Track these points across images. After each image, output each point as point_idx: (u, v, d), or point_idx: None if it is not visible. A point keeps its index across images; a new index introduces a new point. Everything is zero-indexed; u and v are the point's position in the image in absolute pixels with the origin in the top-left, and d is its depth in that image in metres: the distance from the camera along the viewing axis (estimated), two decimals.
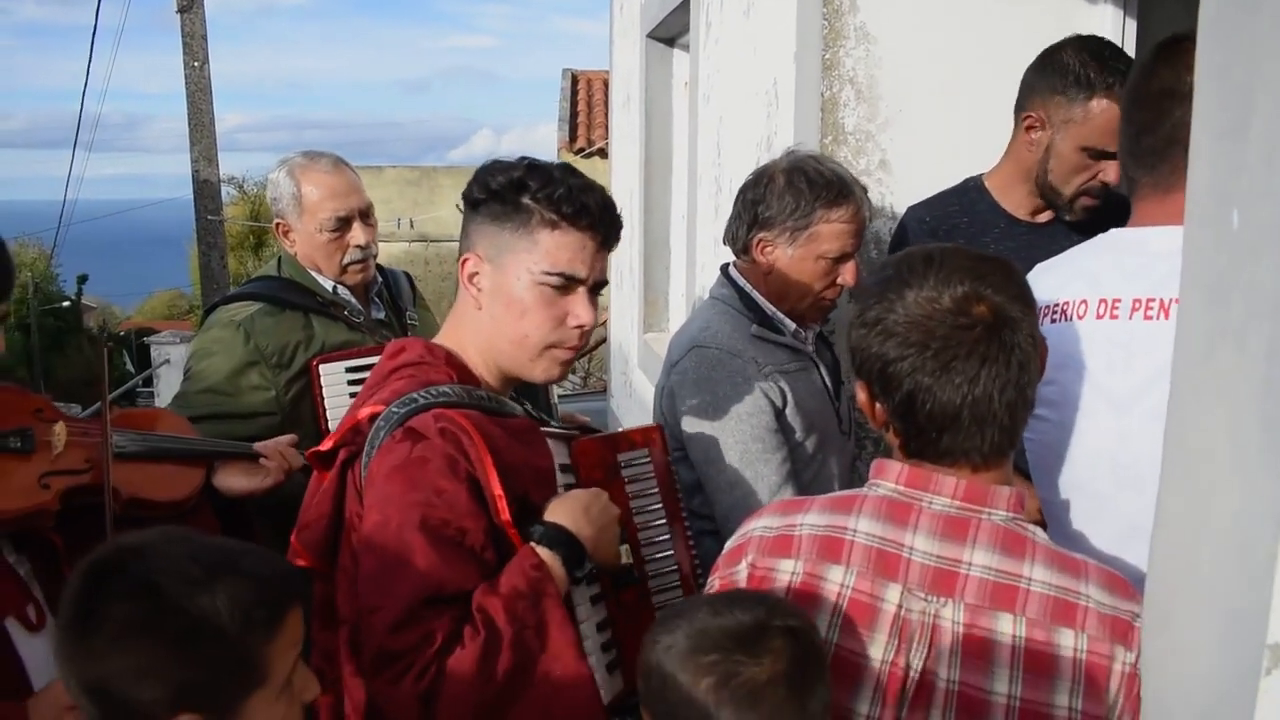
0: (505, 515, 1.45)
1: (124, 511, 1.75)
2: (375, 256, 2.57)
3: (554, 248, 1.54)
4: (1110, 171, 2.05)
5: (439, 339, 1.66)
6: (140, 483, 1.85)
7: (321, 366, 2.34)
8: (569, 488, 1.60)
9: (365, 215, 2.51)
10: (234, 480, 2.05)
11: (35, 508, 1.63)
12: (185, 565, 1.09)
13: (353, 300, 2.53)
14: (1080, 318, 1.48)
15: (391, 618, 1.35)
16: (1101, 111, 1.99)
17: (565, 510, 1.51)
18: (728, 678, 1.11)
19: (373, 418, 1.51)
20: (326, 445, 1.56)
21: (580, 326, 1.59)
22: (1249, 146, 0.93)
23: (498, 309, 1.57)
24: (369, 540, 1.42)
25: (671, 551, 1.78)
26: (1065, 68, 2.01)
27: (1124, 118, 1.52)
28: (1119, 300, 1.43)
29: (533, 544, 1.46)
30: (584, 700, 1.41)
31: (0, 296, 1.56)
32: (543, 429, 1.64)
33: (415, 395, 1.50)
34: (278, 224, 2.53)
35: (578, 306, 1.58)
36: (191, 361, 2.42)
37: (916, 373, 1.23)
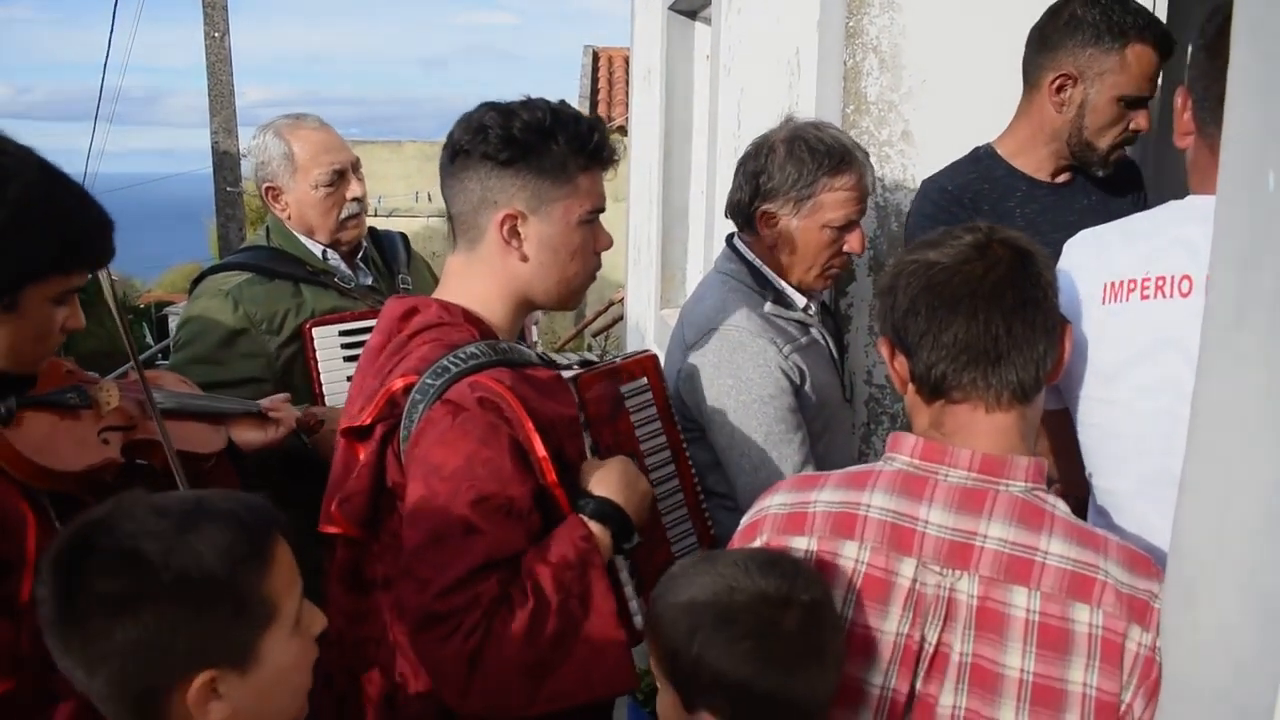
0: (552, 477, 1.48)
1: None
2: (366, 212, 2.56)
3: (589, 188, 1.63)
4: (1141, 120, 2.01)
5: (448, 296, 1.65)
6: (184, 437, 1.86)
7: (315, 330, 2.33)
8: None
9: (356, 168, 2.51)
10: (250, 435, 2.05)
11: (104, 462, 1.63)
12: (154, 523, 1.06)
13: (342, 267, 2.52)
14: (1185, 295, 1.32)
15: (439, 588, 1.38)
16: (1137, 59, 1.95)
17: (611, 483, 1.54)
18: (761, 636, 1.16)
19: (407, 389, 1.51)
20: (366, 419, 1.56)
21: (603, 251, 1.70)
22: None
23: (545, 256, 1.61)
24: (415, 513, 1.43)
25: (676, 479, 1.83)
26: (1091, 20, 1.96)
27: (1206, 76, 1.34)
28: None
29: (582, 516, 1.49)
30: (620, 665, 1.47)
31: (98, 264, 1.46)
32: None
33: (446, 364, 1.49)
34: (268, 188, 2.49)
35: (601, 236, 1.69)
36: (182, 332, 2.40)
37: (925, 294, 1.25)
